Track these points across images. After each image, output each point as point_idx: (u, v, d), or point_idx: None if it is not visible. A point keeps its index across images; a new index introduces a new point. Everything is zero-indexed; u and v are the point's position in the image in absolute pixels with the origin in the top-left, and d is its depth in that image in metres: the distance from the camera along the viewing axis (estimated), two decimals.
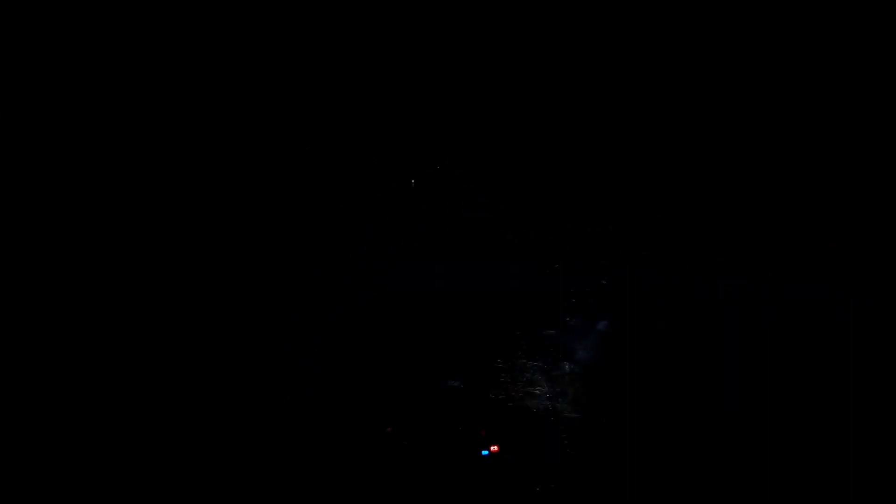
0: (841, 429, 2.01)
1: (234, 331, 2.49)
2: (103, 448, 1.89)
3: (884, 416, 2.01)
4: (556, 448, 1.53)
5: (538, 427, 1.69)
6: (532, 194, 3.63)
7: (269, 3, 3.37)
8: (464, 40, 3.48)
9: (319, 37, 3.49)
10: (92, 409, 2.02)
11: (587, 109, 3.45)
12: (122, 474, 1.81)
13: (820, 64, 2.75)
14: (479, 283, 3.26)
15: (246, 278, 2.88)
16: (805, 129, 2.71)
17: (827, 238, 2.39)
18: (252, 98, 3.44)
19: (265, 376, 2.29)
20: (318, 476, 1.64)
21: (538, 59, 3.43)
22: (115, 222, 2.67)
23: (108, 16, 2.80)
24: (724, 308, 2.50)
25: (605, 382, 2.42)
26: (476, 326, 3.05)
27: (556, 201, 3.57)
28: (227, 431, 2.00)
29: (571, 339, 2.83)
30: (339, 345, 2.64)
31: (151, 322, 2.44)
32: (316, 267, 3.11)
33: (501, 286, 3.29)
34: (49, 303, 2.32)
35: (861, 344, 2.17)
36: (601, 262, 3.09)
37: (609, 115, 3.39)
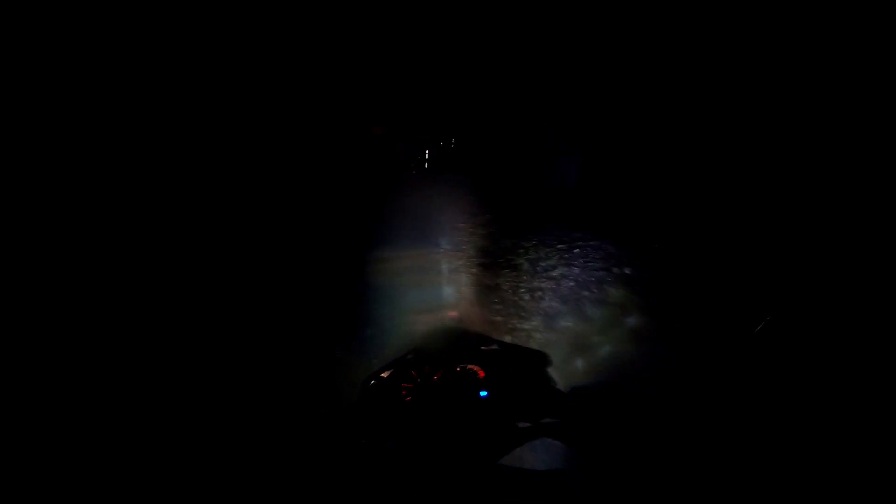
0: None
1: (231, 326, 2.52)
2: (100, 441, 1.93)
3: None
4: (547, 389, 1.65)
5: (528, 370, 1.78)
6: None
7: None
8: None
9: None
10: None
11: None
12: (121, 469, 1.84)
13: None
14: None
15: (242, 275, 2.86)
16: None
17: None
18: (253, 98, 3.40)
19: (262, 371, 2.32)
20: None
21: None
22: (115, 220, 2.71)
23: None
24: None
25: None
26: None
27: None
28: (223, 427, 2.03)
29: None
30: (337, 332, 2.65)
31: (149, 317, 2.47)
32: (315, 262, 3.10)
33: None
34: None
35: None
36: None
37: None
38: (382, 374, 1.44)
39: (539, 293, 3.00)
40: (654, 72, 3.54)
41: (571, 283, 3.05)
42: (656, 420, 1.88)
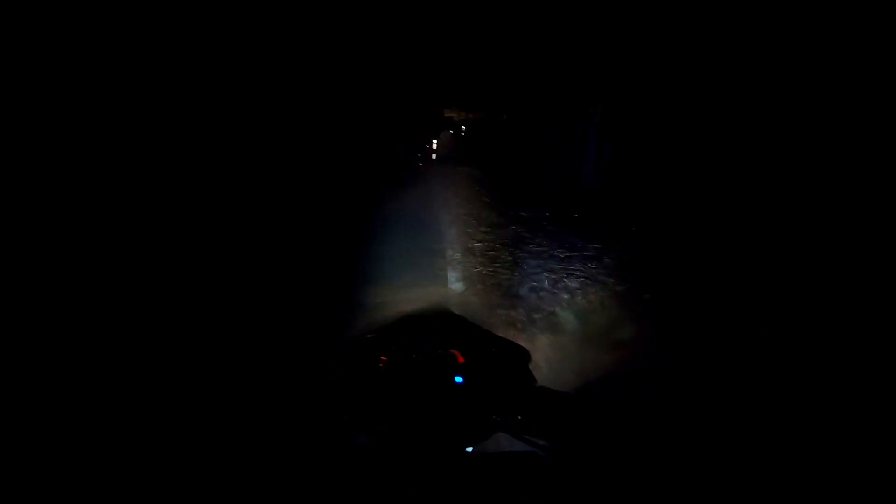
0: None
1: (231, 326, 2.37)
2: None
3: None
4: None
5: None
6: None
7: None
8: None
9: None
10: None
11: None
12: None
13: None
14: None
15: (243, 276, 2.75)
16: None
17: None
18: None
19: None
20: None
21: None
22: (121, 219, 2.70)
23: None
24: None
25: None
26: None
27: None
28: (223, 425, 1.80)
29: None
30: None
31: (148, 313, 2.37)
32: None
33: None
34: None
35: None
36: None
37: None
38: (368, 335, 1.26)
39: (602, 377, 1.91)
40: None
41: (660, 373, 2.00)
42: (656, 420, 1.78)
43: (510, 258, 2.91)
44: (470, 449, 0.98)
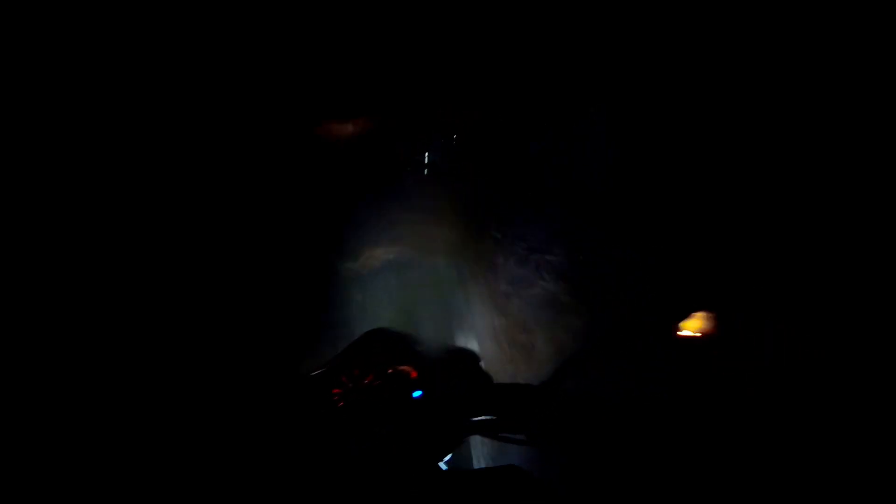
0: None
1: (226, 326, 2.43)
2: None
3: None
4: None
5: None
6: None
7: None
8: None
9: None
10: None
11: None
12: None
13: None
14: None
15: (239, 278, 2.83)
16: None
17: None
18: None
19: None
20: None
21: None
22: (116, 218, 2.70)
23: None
24: None
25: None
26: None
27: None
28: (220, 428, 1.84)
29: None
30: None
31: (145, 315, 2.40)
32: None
33: None
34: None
35: None
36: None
37: None
38: (312, 374, 1.37)
39: None
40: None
41: None
42: (656, 420, 1.85)
43: (550, 348, 2.07)
44: (448, 457, 0.94)
